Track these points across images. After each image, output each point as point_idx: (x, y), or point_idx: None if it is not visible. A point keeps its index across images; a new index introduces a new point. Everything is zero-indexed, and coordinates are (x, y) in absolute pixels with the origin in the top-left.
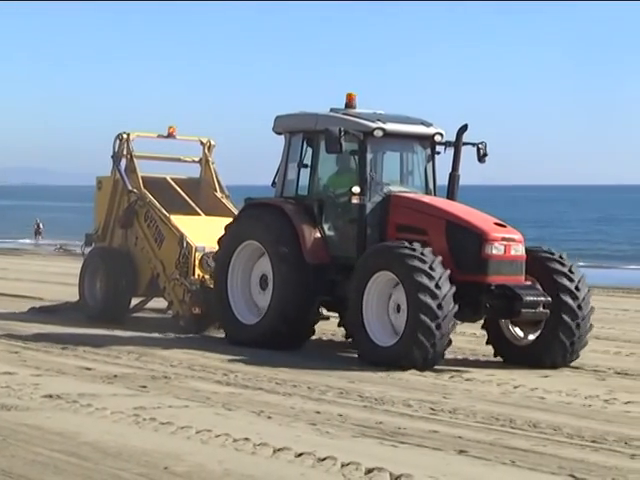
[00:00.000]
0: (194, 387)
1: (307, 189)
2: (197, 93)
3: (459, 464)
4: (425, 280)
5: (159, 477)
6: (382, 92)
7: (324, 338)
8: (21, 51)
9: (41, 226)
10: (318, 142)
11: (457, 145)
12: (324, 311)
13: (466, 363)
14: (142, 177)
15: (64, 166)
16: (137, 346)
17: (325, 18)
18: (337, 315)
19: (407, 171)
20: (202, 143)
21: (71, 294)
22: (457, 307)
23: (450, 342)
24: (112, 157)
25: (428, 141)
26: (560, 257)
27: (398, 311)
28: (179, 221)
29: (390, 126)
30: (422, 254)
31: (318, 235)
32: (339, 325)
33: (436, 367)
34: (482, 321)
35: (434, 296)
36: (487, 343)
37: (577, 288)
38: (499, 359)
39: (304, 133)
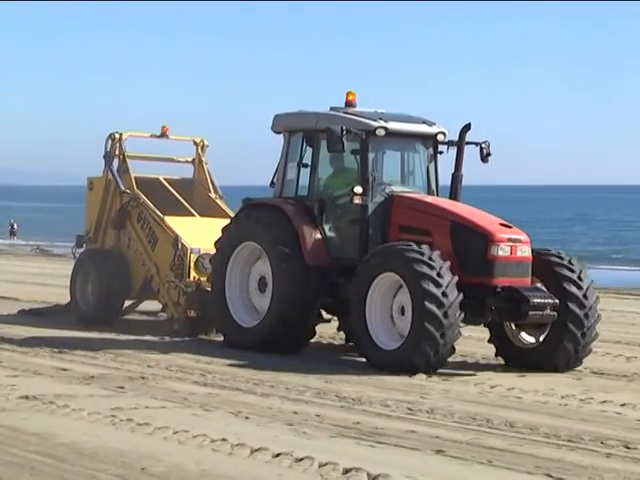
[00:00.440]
0: (171, 388)
1: (307, 189)
2: (191, 92)
3: (436, 464)
4: (432, 288)
5: (136, 478)
6: (379, 91)
7: (324, 342)
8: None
9: (15, 226)
10: (319, 141)
11: (460, 144)
12: (323, 314)
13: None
14: (135, 177)
15: (33, 166)
16: (114, 347)
17: (322, 17)
18: (337, 319)
19: (409, 171)
20: (195, 143)
21: (48, 294)
22: (463, 315)
23: (454, 350)
24: (104, 157)
25: (430, 140)
26: (570, 262)
27: (402, 314)
28: (173, 222)
29: (392, 125)
30: (430, 259)
31: (318, 236)
32: (338, 329)
33: None
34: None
35: (440, 305)
36: (489, 341)
37: (585, 296)
38: (483, 360)
39: (304, 132)
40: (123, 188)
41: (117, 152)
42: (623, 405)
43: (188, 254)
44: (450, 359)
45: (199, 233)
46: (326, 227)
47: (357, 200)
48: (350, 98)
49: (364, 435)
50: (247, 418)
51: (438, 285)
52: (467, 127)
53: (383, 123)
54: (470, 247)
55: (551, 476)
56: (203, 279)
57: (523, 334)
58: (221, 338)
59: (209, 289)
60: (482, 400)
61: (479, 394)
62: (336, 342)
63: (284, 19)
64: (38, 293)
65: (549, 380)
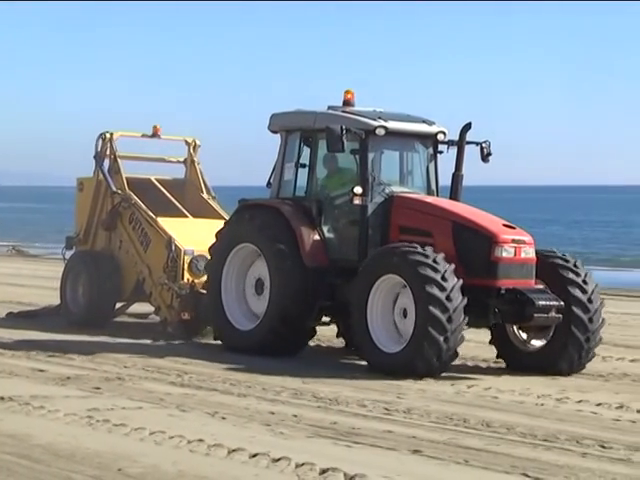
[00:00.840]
0: (148, 388)
1: (305, 190)
2: (183, 91)
3: (413, 464)
4: (437, 292)
5: (112, 479)
6: (372, 90)
7: (323, 345)
8: None
9: None
10: (317, 141)
11: (460, 144)
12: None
13: None
14: (126, 178)
15: (4, 166)
16: (91, 348)
17: (318, 15)
18: (336, 325)
19: (409, 171)
20: (187, 143)
21: (24, 295)
22: (466, 300)
23: (457, 354)
24: (94, 157)
25: (430, 140)
26: (575, 265)
27: (404, 316)
28: (166, 223)
29: (392, 124)
30: (435, 261)
31: (317, 237)
32: (338, 336)
33: None
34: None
35: (445, 309)
36: (490, 343)
37: (590, 300)
38: (471, 362)
39: (302, 132)
40: (114, 189)
41: (108, 152)
42: (599, 405)
43: (182, 256)
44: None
45: (192, 234)
46: (324, 228)
47: (357, 200)
48: (348, 97)
49: (341, 435)
50: (224, 418)
51: (442, 289)
52: (468, 126)
53: (383, 122)
54: (473, 248)
55: (527, 475)
56: (197, 281)
57: (526, 337)
58: (215, 341)
59: (203, 291)
60: (459, 400)
61: (456, 394)
62: (334, 345)
63: (279, 17)
64: (13, 294)
65: (525, 380)
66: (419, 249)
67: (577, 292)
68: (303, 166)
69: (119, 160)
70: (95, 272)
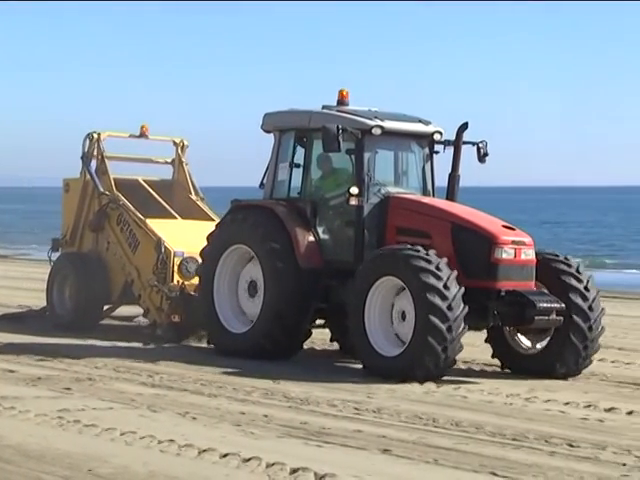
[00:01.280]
0: (119, 389)
1: (299, 190)
2: (170, 91)
3: (383, 463)
4: (433, 280)
5: (82, 479)
6: (364, 90)
7: (317, 348)
8: None
9: None
10: (312, 141)
11: (457, 144)
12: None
13: None
14: (114, 179)
15: None
16: (62, 349)
17: (310, 13)
18: (329, 329)
19: (405, 171)
20: (175, 143)
21: None
22: (467, 309)
23: (454, 362)
24: (82, 158)
25: (426, 140)
26: (577, 271)
27: (403, 319)
28: (155, 225)
29: (389, 124)
30: (438, 268)
31: (312, 238)
32: (332, 340)
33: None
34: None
35: (443, 297)
36: (486, 341)
37: (590, 308)
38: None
39: (296, 131)
40: (102, 190)
41: (95, 152)
42: (567, 404)
43: (171, 257)
44: None
45: (182, 236)
46: (319, 229)
47: (353, 201)
48: (342, 96)
49: (311, 435)
50: (195, 419)
51: (444, 298)
52: (464, 126)
53: (379, 122)
54: (472, 250)
55: (496, 474)
56: (187, 283)
57: (523, 339)
58: (203, 344)
59: (193, 293)
60: (428, 400)
61: (425, 394)
62: (329, 347)
63: (268, 15)
64: None
65: (494, 380)
66: (422, 253)
67: (578, 300)
68: (297, 166)
69: (106, 161)
70: (82, 274)
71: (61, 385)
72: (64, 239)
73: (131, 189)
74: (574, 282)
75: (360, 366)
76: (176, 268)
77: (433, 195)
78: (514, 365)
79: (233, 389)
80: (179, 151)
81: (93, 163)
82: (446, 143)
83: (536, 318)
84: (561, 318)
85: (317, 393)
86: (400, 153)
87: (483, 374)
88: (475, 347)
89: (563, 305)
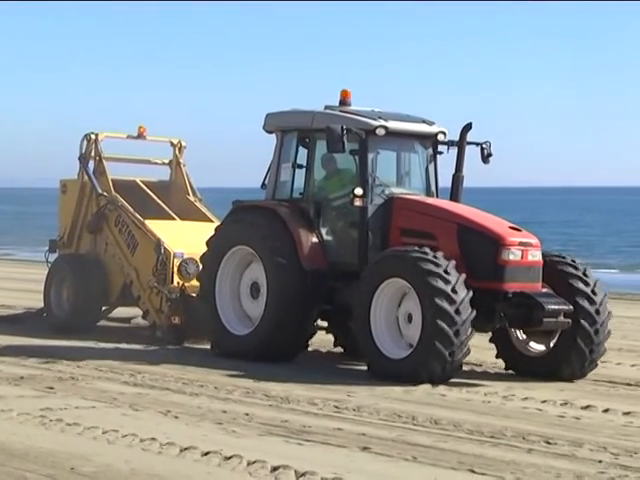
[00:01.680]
0: (101, 388)
1: (302, 191)
2: (169, 91)
3: (363, 461)
4: (441, 284)
5: (65, 478)
6: (363, 90)
7: (323, 350)
8: None
9: None
10: (315, 141)
11: (461, 144)
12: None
13: None
14: (111, 180)
15: None
16: (45, 349)
17: (308, 14)
18: (332, 334)
19: (409, 172)
20: (173, 144)
21: None
22: (475, 313)
23: (461, 366)
24: (79, 159)
25: (430, 140)
26: (572, 261)
27: (410, 321)
28: (154, 226)
29: (393, 124)
30: (446, 272)
31: (315, 239)
32: (335, 345)
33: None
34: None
35: (451, 301)
36: (490, 341)
37: (593, 292)
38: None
39: (299, 132)
40: (100, 191)
41: (93, 153)
42: (544, 402)
43: (171, 258)
44: None
45: (181, 237)
46: (323, 230)
47: (358, 202)
48: (345, 96)
49: (292, 433)
50: (176, 417)
51: (452, 302)
52: (468, 126)
53: (383, 122)
54: (479, 251)
55: (474, 471)
56: (187, 284)
57: (531, 342)
58: (203, 345)
59: (194, 295)
60: (407, 398)
61: (404, 392)
62: (332, 349)
63: (268, 15)
64: None
65: (472, 378)
66: (430, 255)
67: (585, 303)
68: (300, 167)
69: (104, 161)
70: (80, 276)
71: (44, 384)
72: (61, 240)
73: (129, 190)
74: (581, 285)
75: (342, 366)
76: (176, 269)
77: (437, 196)
78: (518, 366)
79: (214, 388)
80: (177, 152)
81: (91, 164)
82: (450, 143)
83: (544, 320)
84: (569, 320)
85: (298, 392)
86: (404, 154)
87: (461, 373)
88: None
89: (571, 307)
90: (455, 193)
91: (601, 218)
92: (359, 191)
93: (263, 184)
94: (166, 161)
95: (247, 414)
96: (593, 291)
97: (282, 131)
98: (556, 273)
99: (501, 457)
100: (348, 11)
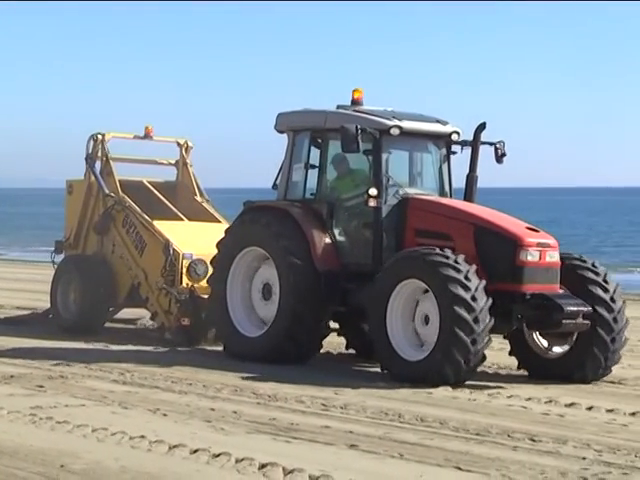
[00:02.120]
0: (91, 386)
1: (315, 191)
2: (177, 91)
3: (350, 458)
4: (461, 291)
5: (55, 475)
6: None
7: (334, 352)
8: None
9: None
10: (327, 141)
11: (475, 144)
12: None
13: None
14: (118, 180)
15: None
16: (35, 347)
17: (319, 12)
18: (344, 337)
19: (422, 172)
20: (179, 144)
21: None
22: (493, 321)
23: (484, 358)
24: (86, 159)
25: (444, 140)
26: (593, 265)
27: (426, 323)
28: (162, 226)
29: (407, 124)
30: (456, 262)
31: (328, 240)
32: (347, 347)
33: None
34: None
35: (470, 309)
36: (510, 354)
37: (612, 299)
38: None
39: (311, 132)
40: (107, 191)
41: (100, 154)
42: (528, 399)
43: (180, 260)
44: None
45: (189, 238)
46: (336, 231)
47: (372, 203)
48: (357, 96)
49: (280, 431)
50: (165, 415)
51: (467, 289)
52: (482, 126)
53: (397, 122)
54: (496, 252)
55: (460, 468)
56: (196, 285)
57: (546, 343)
58: (213, 347)
59: (204, 296)
60: (394, 396)
61: (391, 390)
62: (344, 351)
63: (273, 15)
64: None
65: None
66: (451, 260)
67: (599, 291)
68: (312, 167)
69: (111, 162)
70: (87, 277)
71: (34, 383)
72: (67, 241)
73: (135, 191)
74: (600, 292)
75: (330, 364)
76: (185, 270)
77: (451, 196)
78: (532, 367)
79: (203, 386)
80: (183, 152)
81: (97, 164)
82: (463, 143)
83: (563, 322)
84: (588, 322)
85: (285, 390)
86: (417, 154)
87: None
88: None
89: (590, 308)
90: (469, 193)
91: (585, 219)
92: (373, 191)
93: (274, 184)
94: (172, 161)
95: (235, 412)
96: (612, 298)
97: (294, 131)
98: (575, 277)
99: (486, 454)
100: (347, 12)
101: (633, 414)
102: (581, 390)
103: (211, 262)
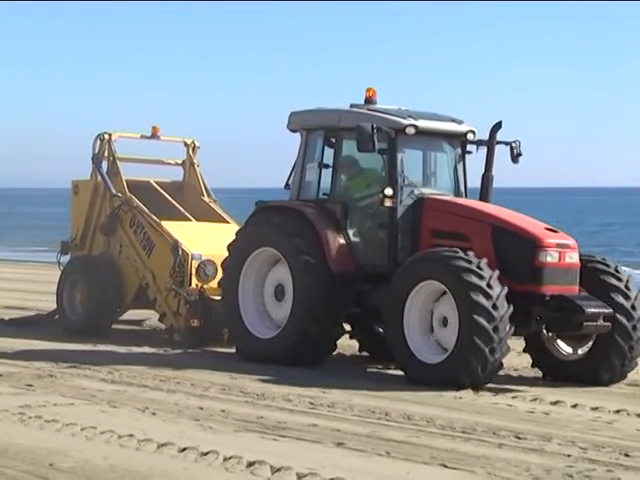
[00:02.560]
0: (79, 385)
1: (328, 191)
2: (184, 93)
3: (337, 456)
4: (482, 300)
5: (44, 473)
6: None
7: (346, 353)
8: None
9: None
10: (341, 140)
11: (491, 144)
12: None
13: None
14: (126, 180)
15: None
16: (23, 346)
17: (326, 12)
18: (357, 340)
19: (437, 172)
20: (186, 144)
21: None
22: (512, 308)
23: (502, 366)
24: (92, 159)
25: (459, 140)
26: (616, 270)
27: (444, 325)
28: (170, 227)
29: (422, 123)
30: (479, 267)
31: (342, 241)
32: (360, 350)
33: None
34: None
35: (491, 318)
36: (524, 351)
37: (633, 307)
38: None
39: (325, 131)
40: (114, 191)
41: (106, 154)
42: (514, 397)
43: (189, 260)
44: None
45: (198, 238)
46: (350, 231)
47: (388, 203)
48: (370, 94)
49: (267, 429)
50: (154, 414)
51: (488, 297)
52: (498, 125)
53: (413, 121)
54: (515, 253)
55: (446, 466)
56: (206, 286)
57: (564, 346)
58: (223, 349)
59: (214, 297)
60: (380, 394)
61: (377, 389)
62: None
63: (282, 16)
64: None
65: None
66: (461, 254)
67: (620, 299)
68: (326, 167)
69: (118, 162)
70: (94, 278)
71: (23, 382)
72: (74, 242)
73: (143, 191)
74: (614, 281)
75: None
76: (194, 271)
77: (466, 196)
78: (554, 372)
79: (191, 385)
80: (190, 152)
81: (104, 164)
82: (479, 143)
83: (584, 324)
84: (609, 324)
85: (273, 388)
86: (432, 153)
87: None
88: None
89: (611, 310)
90: (485, 193)
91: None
92: (389, 191)
93: (287, 184)
94: (179, 161)
95: (223, 410)
96: (633, 306)
97: (307, 130)
98: (587, 271)
99: (472, 452)
100: (348, 12)
101: (617, 412)
102: (566, 388)
103: (222, 264)
